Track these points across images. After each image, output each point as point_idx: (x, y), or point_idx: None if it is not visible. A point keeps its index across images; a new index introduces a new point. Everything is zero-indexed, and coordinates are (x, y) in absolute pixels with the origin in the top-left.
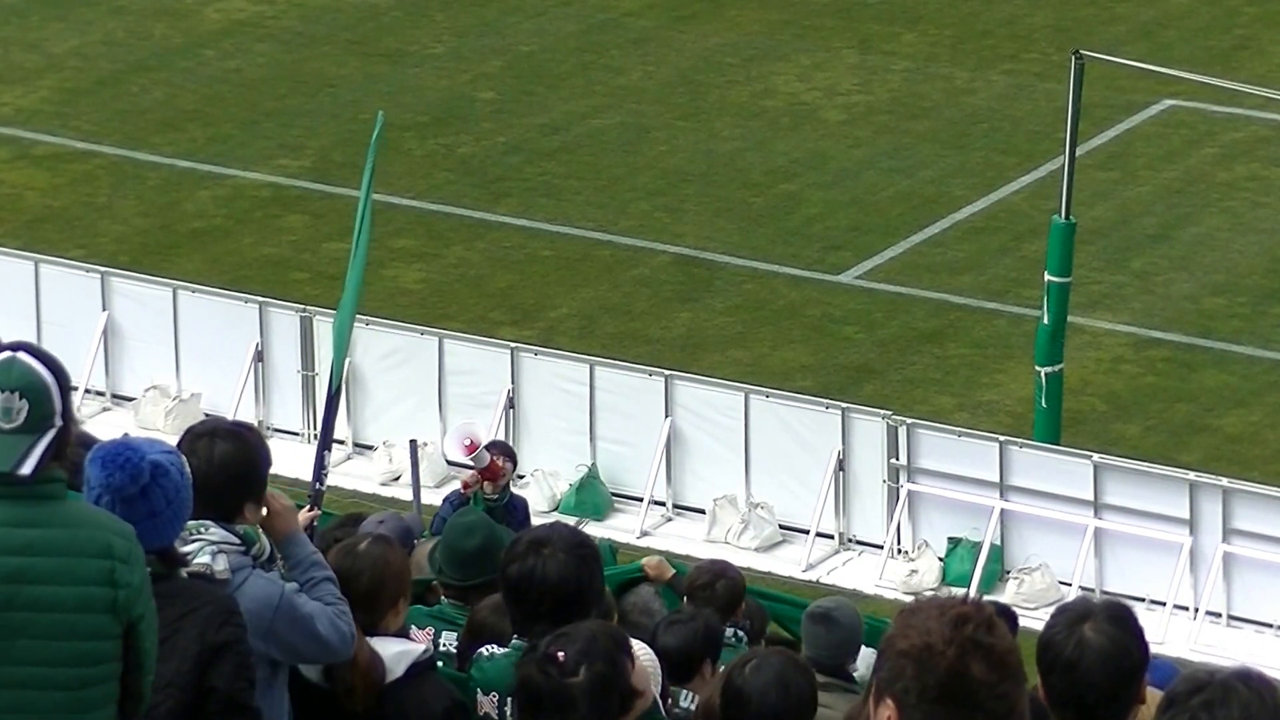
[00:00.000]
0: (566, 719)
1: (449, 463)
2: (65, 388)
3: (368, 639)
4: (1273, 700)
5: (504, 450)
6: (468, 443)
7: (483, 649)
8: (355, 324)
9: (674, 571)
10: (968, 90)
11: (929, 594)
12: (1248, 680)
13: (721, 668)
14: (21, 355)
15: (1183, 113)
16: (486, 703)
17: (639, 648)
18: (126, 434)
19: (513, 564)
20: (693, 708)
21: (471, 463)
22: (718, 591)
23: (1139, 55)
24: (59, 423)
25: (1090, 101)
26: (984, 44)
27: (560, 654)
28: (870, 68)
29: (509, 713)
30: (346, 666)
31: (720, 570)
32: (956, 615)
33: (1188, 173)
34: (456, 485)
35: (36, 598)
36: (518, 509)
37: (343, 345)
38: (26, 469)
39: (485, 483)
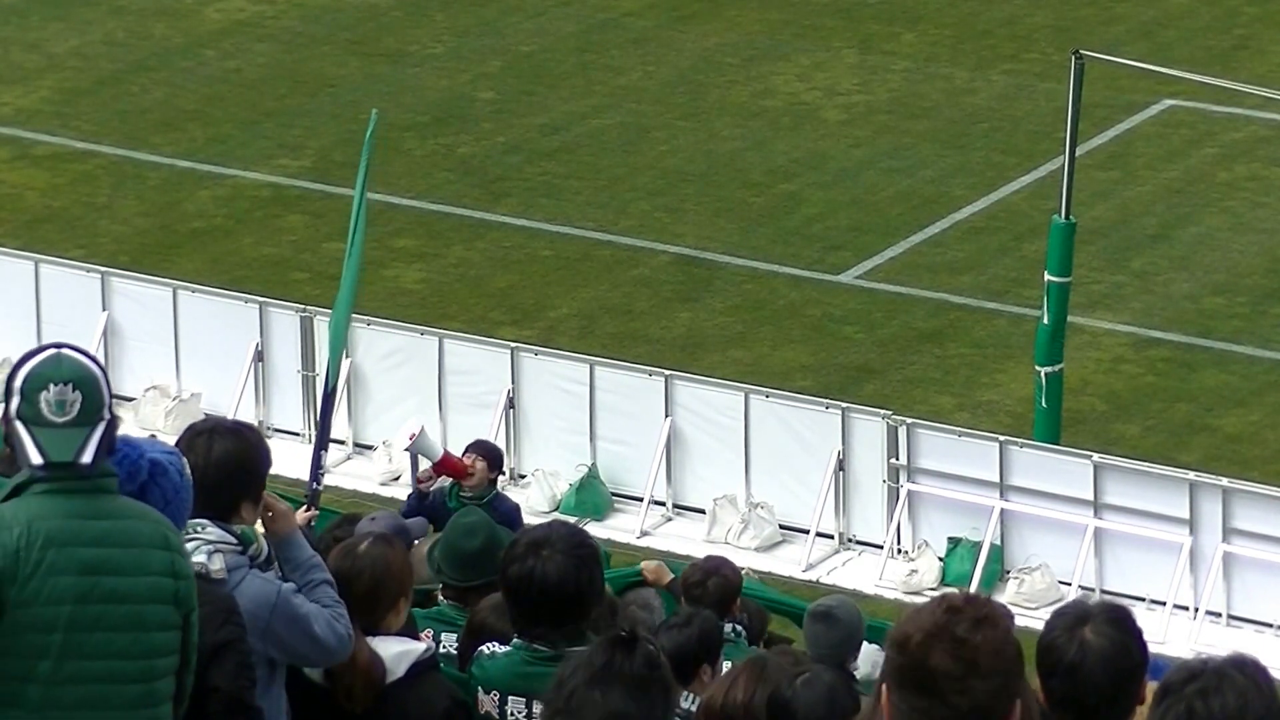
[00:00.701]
0: (639, 703)
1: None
2: (109, 381)
3: (368, 639)
4: (1268, 686)
5: (483, 451)
6: (410, 436)
7: (484, 647)
8: (355, 324)
9: (672, 576)
10: (968, 90)
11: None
12: (1242, 667)
13: (725, 664)
14: (67, 350)
15: (1183, 113)
16: (487, 701)
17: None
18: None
19: (512, 565)
20: (694, 709)
21: (415, 452)
22: (709, 589)
23: (1139, 55)
24: (108, 415)
25: (1090, 101)
26: (984, 44)
27: (649, 645)
28: (870, 68)
29: (509, 711)
30: (346, 667)
31: (713, 568)
32: (946, 607)
33: (1188, 173)
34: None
35: (113, 589)
36: (498, 511)
37: (339, 344)
38: (86, 458)
39: (462, 482)
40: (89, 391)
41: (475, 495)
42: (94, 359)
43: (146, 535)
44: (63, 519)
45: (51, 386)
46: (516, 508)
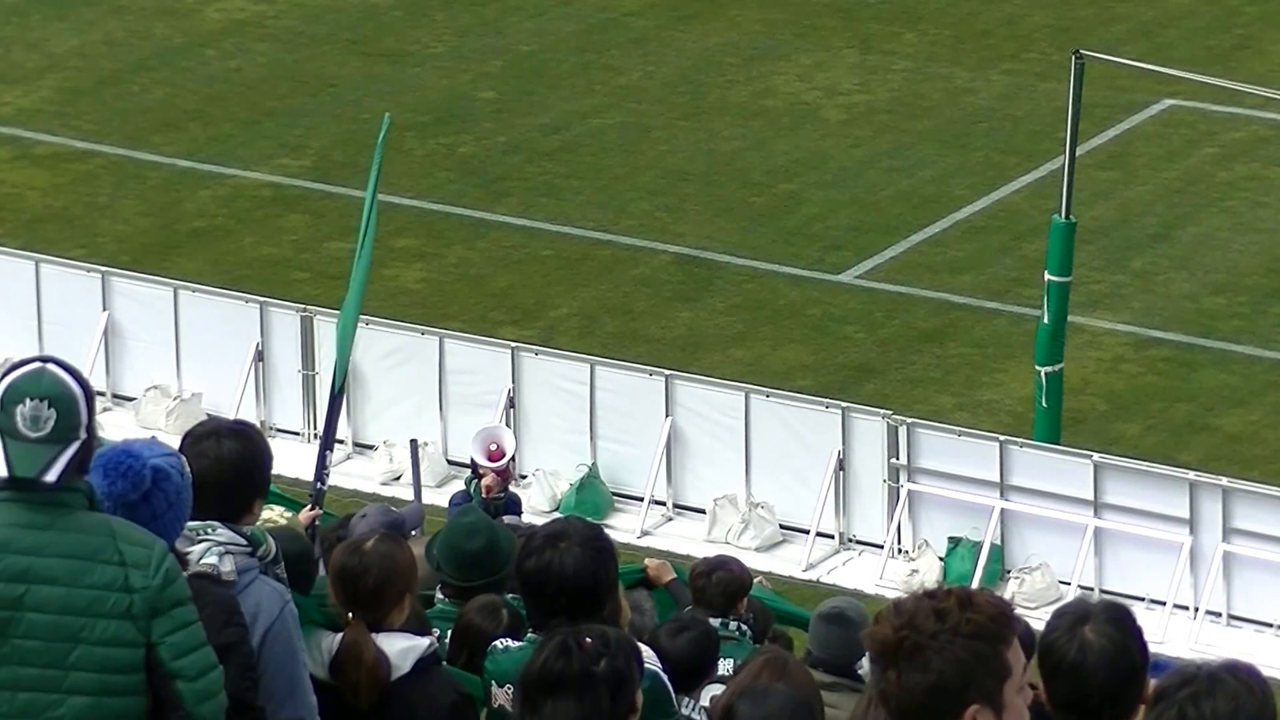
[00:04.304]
0: (584, 706)
1: (449, 461)
2: (91, 401)
3: (373, 635)
4: (1261, 691)
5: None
6: (494, 448)
7: (498, 641)
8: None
9: (674, 575)
10: (968, 90)
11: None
12: (1235, 672)
13: (730, 663)
14: (51, 366)
15: (1183, 113)
16: (501, 695)
17: (645, 653)
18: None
19: (529, 558)
20: (694, 715)
21: (492, 467)
22: (713, 582)
23: (1139, 55)
24: (83, 435)
25: (1090, 101)
26: (984, 44)
27: (587, 640)
28: (870, 68)
29: None
30: (352, 663)
31: (719, 562)
32: (937, 593)
33: (1188, 173)
34: (458, 485)
35: (44, 598)
36: (514, 504)
37: (346, 346)
38: (51, 476)
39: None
40: (65, 409)
41: (503, 494)
42: (78, 377)
43: (91, 549)
44: (4, 527)
45: (28, 401)
46: (519, 499)
